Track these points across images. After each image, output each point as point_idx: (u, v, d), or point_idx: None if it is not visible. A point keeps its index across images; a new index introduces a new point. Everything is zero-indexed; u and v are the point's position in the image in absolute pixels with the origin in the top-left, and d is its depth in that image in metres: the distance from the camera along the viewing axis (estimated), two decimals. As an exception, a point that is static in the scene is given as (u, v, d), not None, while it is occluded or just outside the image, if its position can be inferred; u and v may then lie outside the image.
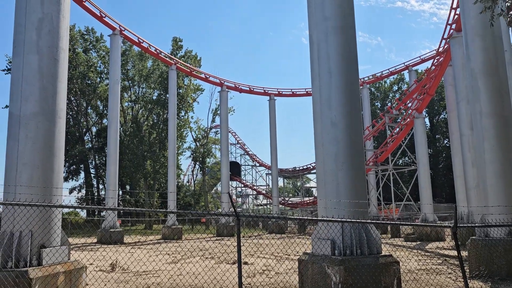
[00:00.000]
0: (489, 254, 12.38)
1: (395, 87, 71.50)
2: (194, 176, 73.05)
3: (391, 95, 71.10)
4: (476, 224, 11.44)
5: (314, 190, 73.21)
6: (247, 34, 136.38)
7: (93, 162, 60.69)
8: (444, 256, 18.62)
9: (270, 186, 54.92)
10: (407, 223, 20.41)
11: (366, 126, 43.45)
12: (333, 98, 9.41)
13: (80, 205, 40.01)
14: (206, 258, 18.33)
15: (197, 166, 69.14)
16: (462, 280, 6.79)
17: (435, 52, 37.13)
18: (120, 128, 41.81)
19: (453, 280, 12.03)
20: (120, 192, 55.44)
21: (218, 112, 55.35)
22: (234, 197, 64.87)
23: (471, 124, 18.19)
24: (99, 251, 21.38)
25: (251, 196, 70.73)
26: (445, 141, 62.47)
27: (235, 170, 63.73)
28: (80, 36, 57.99)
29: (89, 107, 60.14)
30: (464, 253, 13.42)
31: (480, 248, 12.70)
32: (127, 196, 56.72)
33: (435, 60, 36.30)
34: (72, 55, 51.91)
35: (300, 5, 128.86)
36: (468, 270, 12.11)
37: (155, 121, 60.69)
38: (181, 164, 63.64)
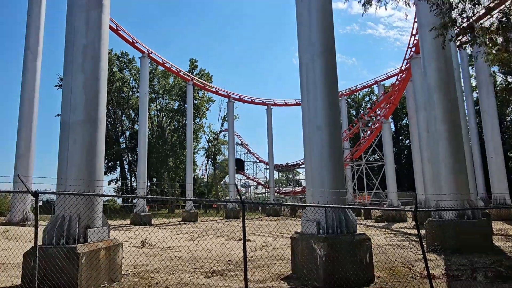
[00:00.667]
0: (442, 232, 12.42)
1: (367, 98, 71.48)
2: (207, 170, 73.04)
3: (363, 104, 71.05)
4: (432, 208, 11.45)
5: (302, 181, 72.95)
6: (249, 54, 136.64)
7: (127, 159, 60.68)
8: (407, 234, 18.63)
9: (268, 178, 54.91)
10: (377, 208, 20.29)
11: (344, 129, 43.42)
12: (318, 107, 9.42)
13: (117, 194, 40.06)
14: (218, 236, 18.34)
15: (209, 162, 69.16)
16: (421, 253, 6.80)
17: (398, 70, 37.14)
18: (148, 132, 41.79)
19: (413, 253, 12.05)
20: (148, 184, 55.35)
21: (226, 118, 55.34)
22: (239, 187, 64.77)
23: (427, 128, 18.23)
24: (132, 231, 21.41)
25: (252, 187, 70.62)
26: (407, 142, 62.36)
27: (239, 165, 63.63)
28: (116, 58, 57.94)
29: (123, 115, 60.11)
30: (422, 232, 13.43)
31: (435, 228, 12.74)
32: (154, 186, 56.61)
33: (399, 76, 36.33)
34: (110, 73, 51.82)
35: (291, 33, 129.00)
36: (425, 245, 12.12)
37: (176, 126, 60.72)
38: (196, 161, 63.83)
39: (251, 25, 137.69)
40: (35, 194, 6.18)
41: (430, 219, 13.28)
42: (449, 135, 13.48)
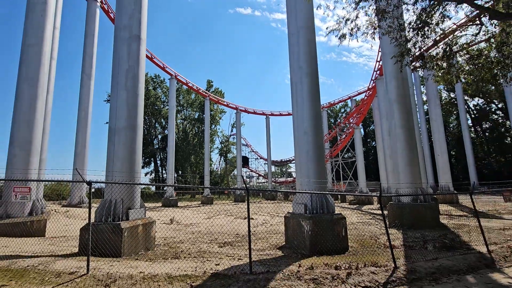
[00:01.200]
0: (400, 212, 12.36)
1: (342, 110, 71.18)
2: (220, 165, 72.73)
3: (340, 115, 70.77)
4: (393, 194, 11.40)
5: (293, 173, 72.74)
6: (253, 75, 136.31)
7: (159, 157, 60.58)
8: (373, 214, 18.56)
9: (266, 171, 54.78)
10: (350, 193, 20.17)
11: (325, 134, 43.31)
12: (305, 116, 9.40)
13: (151, 183, 39.96)
14: (228, 215, 18.33)
15: (222, 159, 69.07)
16: (385, 228, 6.76)
17: (367, 88, 37.06)
18: (175, 136, 41.79)
19: (378, 229, 12.01)
20: (175, 175, 55.28)
21: (235, 125, 55.35)
22: (244, 178, 64.43)
23: (389, 132, 18.16)
24: (162, 211, 21.43)
25: (255, 177, 70.33)
26: (373, 143, 62.01)
27: (245, 161, 63.33)
28: (151, 79, 57.95)
29: (156, 123, 60.13)
30: (385, 212, 13.38)
31: (395, 209, 12.68)
32: (180, 177, 56.57)
33: (367, 93, 36.26)
34: (146, 91, 51.82)
35: (284, 59, 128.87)
36: (388, 223, 12.06)
37: (196, 131, 60.68)
38: (212, 158, 63.59)
39: (255, 53, 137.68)
40: (89, 183, 6.19)
41: (392, 202, 13.23)
42: (405, 137, 13.43)
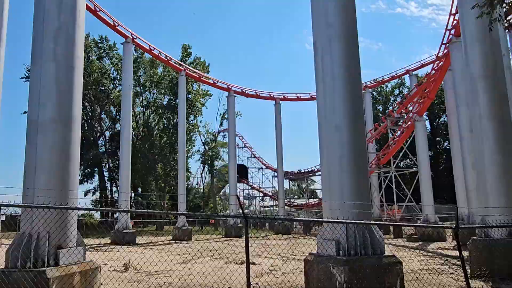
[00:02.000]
0: (489, 254, 12.22)
1: (396, 91, 71.15)
2: (203, 179, 72.85)
3: (392, 98, 70.76)
4: (477, 225, 11.33)
5: (319, 192, 72.66)
6: (253, 41, 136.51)
7: (107, 166, 60.84)
8: (446, 256, 18.43)
9: (276, 188, 54.77)
10: (409, 224, 20.07)
11: (368, 129, 43.27)
12: (337, 103, 9.38)
13: (94, 207, 40.28)
14: (215, 258, 18.28)
15: (206, 169, 69.29)
16: (464, 280, 6.72)
17: (434, 57, 36.92)
18: (132, 133, 41.90)
19: (455, 280, 11.91)
20: (133, 195, 55.45)
21: (226, 116, 55.45)
22: (241, 199, 64.42)
23: (470, 127, 18.00)
24: (113, 252, 21.42)
25: (258, 198, 70.43)
26: (446, 144, 62.00)
27: (242, 172, 63.57)
28: (94, 44, 57.97)
29: (102, 113, 60.32)
30: (465, 253, 13.29)
31: (481, 248, 12.55)
32: (139, 198, 56.75)
33: (435, 65, 36.12)
34: (87, 62, 51.68)
35: (304, 11, 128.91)
36: (469, 270, 11.96)
37: (165, 125, 60.90)
38: (190, 167, 63.83)
39: (256, 8, 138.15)
40: (-3, 208, 6.21)
41: (475, 238, 13.09)
42: (497, 135, 13.29)
